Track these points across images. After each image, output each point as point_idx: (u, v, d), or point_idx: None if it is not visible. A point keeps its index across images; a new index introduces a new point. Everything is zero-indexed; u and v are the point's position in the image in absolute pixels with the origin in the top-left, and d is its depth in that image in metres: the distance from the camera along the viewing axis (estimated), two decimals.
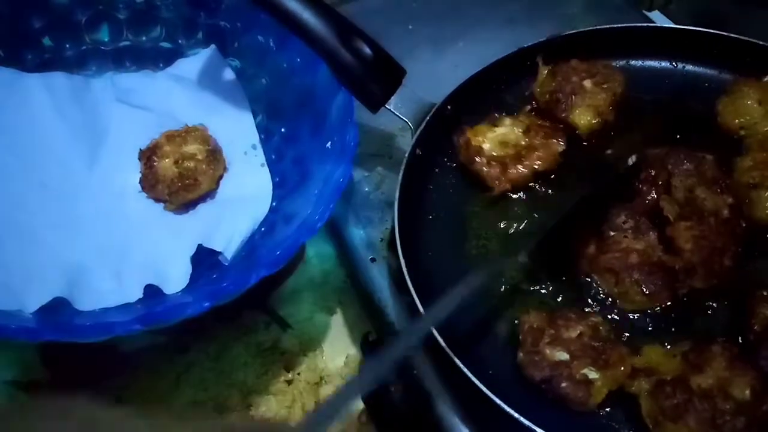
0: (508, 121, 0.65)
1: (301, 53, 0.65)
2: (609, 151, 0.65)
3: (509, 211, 0.63)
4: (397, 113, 0.64)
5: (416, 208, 0.62)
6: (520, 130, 0.64)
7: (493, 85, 0.69)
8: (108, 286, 0.60)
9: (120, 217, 0.66)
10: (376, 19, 0.67)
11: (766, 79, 0.66)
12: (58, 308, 0.57)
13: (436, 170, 0.66)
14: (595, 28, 0.72)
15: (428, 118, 0.64)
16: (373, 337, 0.64)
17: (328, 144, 0.62)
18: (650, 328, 0.55)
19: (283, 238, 0.58)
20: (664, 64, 0.72)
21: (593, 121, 0.66)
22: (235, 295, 0.53)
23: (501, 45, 0.70)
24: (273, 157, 0.70)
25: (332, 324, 0.66)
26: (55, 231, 0.63)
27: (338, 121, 0.62)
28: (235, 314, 0.65)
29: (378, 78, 0.62)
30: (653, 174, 0.60)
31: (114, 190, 0.67)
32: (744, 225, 0.58)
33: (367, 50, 0.60)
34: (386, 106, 0.63)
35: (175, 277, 0.60)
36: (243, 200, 0.66)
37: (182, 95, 0.72)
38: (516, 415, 0.48)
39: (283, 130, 0.70)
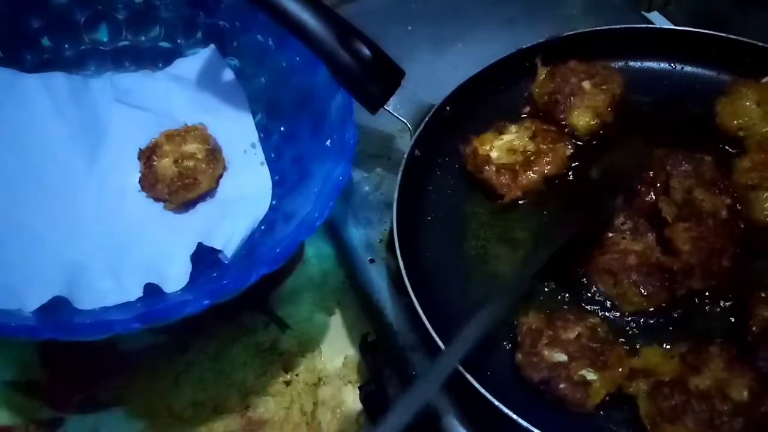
0: (513, 128, 0.65)
1: (300, 53, 0.65)
2: (593, 172, 0.64)
3: (509, 212, 0.63)
4: (396, 114, 0.64)
5: (415, 209, 0.62)
6: (527, 136, 0.64)
7: (492, 86, 0.69)
8: (108, 285, 0.60)
9: (120, 217, 0.66)
10: (375, 20, 0.67)
11: (764, 80, 0.66)
12: (57, 307, 0.57)
13: (435, 171, 0.66)
14: (594, 29, 0.71)
15: (427, 119, 0.64)
16: (371, 338, 0.64)
17: (328, 143, 0.62)
18: (648, 330, 0.55)
19: (282, 237, 0.58)
20: (663, 65, 0.72)
21: (592, 123, 0.66)
22: (235, 293, 0.53)
23: (500, 46, 0.70)
24: (272, 155, 0.70)
25: (331, 325, 0.66)
26: (54, 230, 0.63)
27: (337, 120, 0.62)
28: (235, 314, 0.65)
29: (377, 79, 0.62)
30: (652, 175, 0.60)
31: (113, 190, 0.67)
32: (742, 226, 0.58)
33: (366, 51, 0.60)
34: (385, 107, 0.63)
35: (175, 276, 0.60)
36: (243, 199, 0.66)
37: (181, 95, 0.72)
38: (514, 416, 0.48)
39: (282, 129, 0.70)
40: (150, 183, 0.66)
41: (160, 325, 0.57)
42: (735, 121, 0.65)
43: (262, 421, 0.61)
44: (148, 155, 0.67)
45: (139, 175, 0.68)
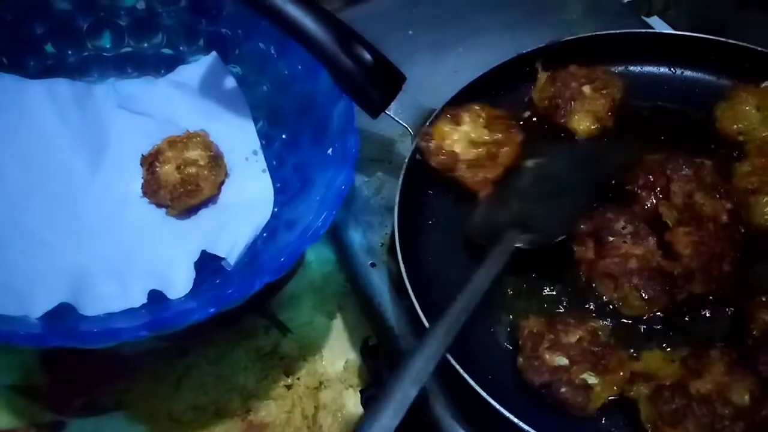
0: (466, 116, 0.64)
1: (302, 60, 0.65)
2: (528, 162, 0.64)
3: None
4: (397, 119, 0.64)
5: (416, 213, 0.62)
6: (481, 125, 0.63)
7: (493, 91, 0.69)
8: (112, 291, 0.60)
9: (123, 223, 0.66)
10: (376, 25, 0.67)
11: (764, 84, 0.66)
12: (63, 313, 0.57)
13: (436, 175, 0.66)
14: (594, 33, 0.72)
15: (428, 123, 0.64)
16: (372, 342, 0.64)
17: (330, 151, 0.62)
18: (649, 334, 0.55)
19: (285, 244, 0.58)
20: (663, 69, 0.72)
21: (592, 127, 0.67)
22: (239, 301, 0.53)
23: (500, 51, 0.70)
24: (274, 163, 0.70)
25: (332, 328, 0.66)
26: (58, 236, 0.64)
27: (339, 128, 0.62)
28: (235, 319, 0.65)
29: (378, 84, 0.62)
30: (652, 179, 0.60)
31: (116, 196, 0.68)
32: (743, 230, 0.59)
33: (367, 56, 0.60)
34: (386, 111, 0.63)
35: (179, 282, 0.60)
36: (244, 206, 0.67)
37: (183, 101, 0.73)
38: (515, 420, 0.48)
39: (284, 136, 0.70)
40: (152, 189, 0.67)
41: (166, 332, 0.57)
42: (735, 126, 0.65)
43: (263, 424, 0.61)
44: (150, 161, 0.68)
45: (142, 181, 0.68)
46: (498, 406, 0.49)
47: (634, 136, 0.67)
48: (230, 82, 0.73)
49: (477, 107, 0.64)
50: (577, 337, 0.53)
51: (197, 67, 0.74)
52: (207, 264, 0.62)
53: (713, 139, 0.66)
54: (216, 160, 0.68)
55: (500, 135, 0.63)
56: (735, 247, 0.57)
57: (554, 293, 0.58)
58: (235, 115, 0.72)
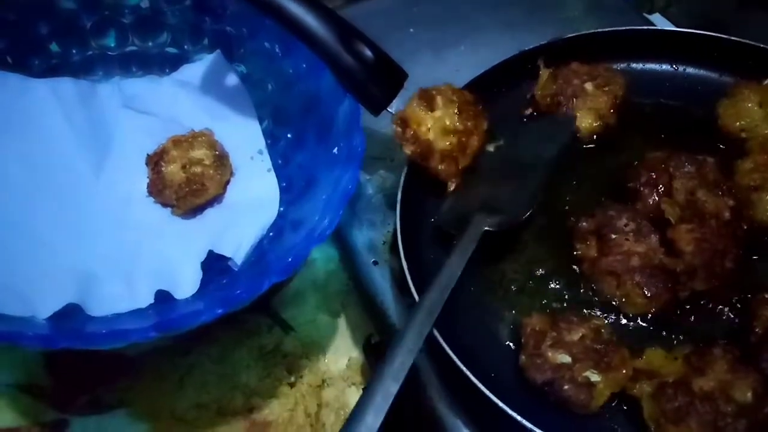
0: (440, 100, 0.62)
1: (306, 59, 0.65)
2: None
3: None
4: None
5: (418, 211, 0.62)
6: (454, 111, 0.62)
7: (495, 88, 0.69)
8: (119, 292, 0.60)
9: (128, 223, 0.66)
10: (377, 23, 0.67)
11: (766, 82, 0.66)
12: (70, 314, 0.57)
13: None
14: (596, 31, 0.72)
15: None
16: (375, 340, 0.64)
17: (335, 150, 0.62)
18: (652, 331, 0.55)
19: (291, 245, 0.58)
20: (665, 66, 0.72)
21: (594, 124, 0.66)
22: (247, 302, 0.54)
23: (502, 48, 0.70)
24: (279, 162, 0.70)
25: (334, 327, 0.66)
26: (64, 237, 0.63)
27: (345, 127, 0.62)
28: (238, 317, 0.65)
29: (380, 81, 0.62)
30: (654, 177, 0.60)
31: (121, 196, 0.67)
32: (745, 227, 0.58)
33: (369, 53, 0.60)
34: (388, 109, 0.63)
35: (186, 283, 0.60)
36: (250, 205, 0.67)
37: (188, 100, 0.73)
38: (518, 417, 0.48)
39: (289, 135, 0.70)
40: (158, 188, 0.67)
41: (174, 333, 0.57)
42: (737, 123, 0.65)
43: (266, 423, 0.61)
44: (155, 161, 0.67)
45: (147, 180, 0.68)
46: (501, 404, 0.49)
47: (636, 133, 0.67)
48: (235, 81, 0.73)
49: (450, 90, 0.63)
50: (580, 334, 0.53)
51: (202, 66, 0.74)
52: (213, 264, 0.62)
53: (715, 137, 0.66)
54: (221, 159, 0.68)
55: (470, 123, 0.62)
56: (737, 244, 0.57)
57: (556, 291, 0.58)
58: (240, 115, 0.72)
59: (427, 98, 0.62)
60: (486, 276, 0.60)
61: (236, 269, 0.62)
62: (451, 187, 0.62)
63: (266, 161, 0.70)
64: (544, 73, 0.69)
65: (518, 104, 0.70)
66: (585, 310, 0.56)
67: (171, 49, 0.75)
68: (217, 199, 0.68)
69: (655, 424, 0.49)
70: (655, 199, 0.60)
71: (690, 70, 0.72)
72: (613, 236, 0.58)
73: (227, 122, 0.71)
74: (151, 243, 0.64)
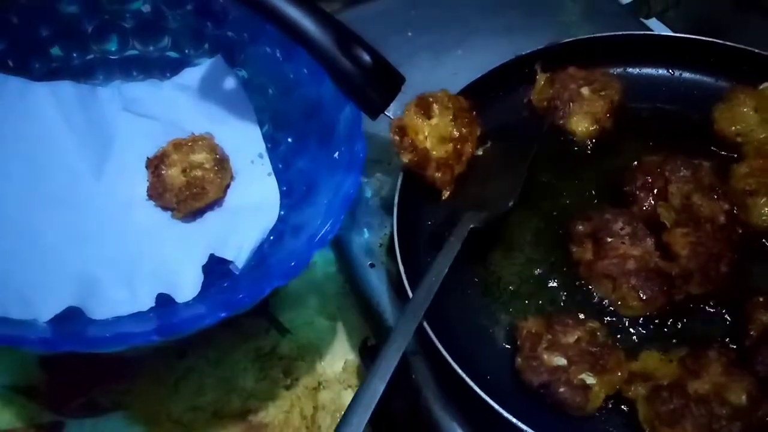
0: (436, 107, 0.62)
1: (307, 64, 0.64)
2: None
3: (507, 216, 0.63)
4: None
5: (415, 214, 0.62)
6: (449, 117, 0.62)
7: (492, 93, 0.70)
8: (120, 295, 0.60)
9: (129, 226, 0.66)
10: (375, 26, 0.67)
11: (762, 86, 0.66)
12: (71, 317, 0.56)
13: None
14: (592, 35, 0.72)
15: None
16: (371, 343, 0.64)
17: (336, 155, 0.62)
18: (647, 334, 0.55)
19: (293, 249, 0.58)
20: (662, 71, 0.73)
21: (591, 129, 0.67)
22: (249, 306, 0.53)
23: (499, 53, 0.70)
24: (280, 166, 0.69)
25: (331, 329, 0.66)
26: (65, 240, 0.63)
27: (346, 133, 0.61)
28: (235, 319, 0.65)
29: (377, 85, 0.62)
30: (650, 181, 0.60)
31: (121, 199, 0.67)
32: (740, 231, 0.59)
33: (367, 57, 0.61)
34: (385, 113, 0.63)
35: (187, 286, 0.60)
36: (250, 209, 0.66)
37: (189, 104, 0.72)
38: (514, 420, 0.48)
39: (289, 140, 0.70)
40: (158, 192, 0.66)
41: (176, 337, 0.56)
42: (733, 128, 0.65)
43: (262, 425, 0.61)
44: (156, 164, 0.67)
45: (147, 184, 0.67)
46: (496, 407, 0.49)
47: (632, 137, 0.67)
48: (235, 86, 0.73)
49: (446, 97, 0.63)
50: (576, 337, 0.53)
51: (203, 70, 0.73)
52: (214, 267, 0.62)
53: (711, 141, 0.66)
54: (222, 163, 0.68)
55: (465, 129, 0.63)
56: (732, 248, 0.57)
57: (552, 294, 0.58)
58: (240, 119, 0.72)
59: (424, 106, 0.62)
60: (482, 278, 0.60)
61: (237, 273, 0.62)
62: (446, 194, 0.62)
63: (266, 165, 0.70)
64: (541, 78, 0.69)
65: (515, 108, 0.70)
66: (580, 313, 0.56)
67: (172, 53, 0.75)
68: (217, 202, 0.68)
69: (650, 427, 0.49)
70: (650, 203, 0.60)
71: (686, 74, 0.72)
72: (609, 239, 0.58)
73: (227, 126, 0.71)
74: (151, 246, 0.64)
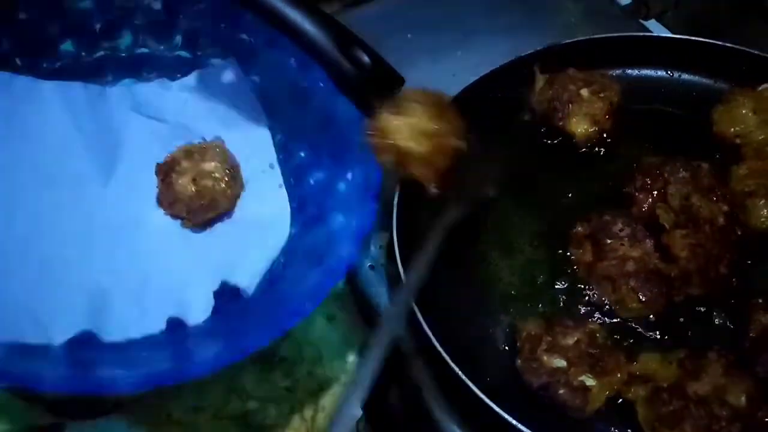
0: (409, 105, 0.59)
1: (322, 77, 0.62)
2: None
3: (506, 217, 0.63)
4: None
5: (414, 215, 0.62)
6: (427, 113, 0.59)
7: (491, 94, 0.70)
8: (131, 314, 0.58)
9: (138, 236, 0.64)
10: (375, 27, 0.67)
11: (761, 88, 0.66)
12: (84, 342, 0.55)
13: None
14: (592, 37, 0.72)
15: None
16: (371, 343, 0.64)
17: (349, 175, 0.60)
18: (647, 335, 0.55)
19: (303, 273, 0.57)
20: (661, 73, 0.73)
21: (590, 130, 0.67)
22: (262, 346, 0.52)
23: (499, 54, 0.70)
24: (291, 180, 0.67)
25: (331, 331, 0.66)
26: (74, 252, 0.61)
27: (362, 152, 0.59)
28: None
29: (377, 86, 0.62)
30: (649, 182, 0.61)
31: (130, 206, 0.65)
32: (739, 233, 0.59)
33: (366, 59, 0.60)
34: None
35: (197, 307, 0.59)
36: (261, 222, 0.64)
37: (199, 107, 0.70)
38: (514, 421, 0.48)
39: (302, 153, 0.68)
40: (168, 201, 0.65)
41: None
42: (732, 129, 0.65)
43: (263, 426, 0.61)
44: (165, 171, 0.65)
45: (156, 190, 0.66)
46: (496, 408, 0.49)
47: (631, 139, 0.67)
48: (248, 91, 0.71)
49: (418, 93, 0.60)
50: (575, 339, 0.53)
51: (214, 73, 0.71)
52: (225, 288, 0.60)
53: (710, 143, 0.66)
54: (232, 172, 0.66)
55: (444, 124, 0.60)
56: (732, 249, 0.57)
57: (552, 295, 0.58)
58: (252, 125, 0.70)
59: (397, 105, 0.59)
60: (482, 280, 0.60)
61: (249, 294, 0.60)
62: (432, 189, 0.61)
63: (277, 176, 0.68)
64: (540, 79, 0.70)
65: (514, 110, 0.70)
66: (580, 315, 0.56)
67: (183, 53, 0.72)
68: (227, 213, 0.66)
69: (650, 428, 0.50)
70: (650, 205, 0.60)
71: (685, 76, 0.72)
72: (609, 241, 0.58)
73: (238, 132, 0.69)
74: (161, 258, 0.63)
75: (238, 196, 0.67)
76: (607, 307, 0.57)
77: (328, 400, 0.63)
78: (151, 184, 0.66)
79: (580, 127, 0.67)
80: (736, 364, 0.51)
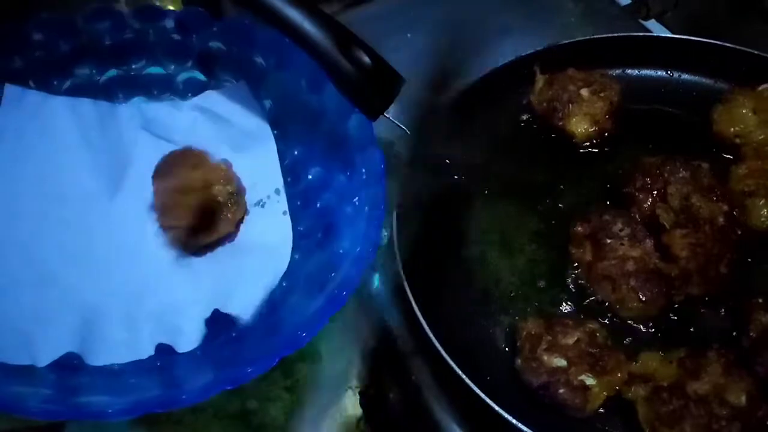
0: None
1: (334, 98, 0.62)
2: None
3: (506, 217, 0.64)
4: (396, 121, 0.64)
5: (414, 215, 0.62)
6: None
7: (491, 94, 0.70)
8: (121, 337, 0.57)
9: (137, 255, 0.63)
10: (375, 28, 0.67)
11: (761, 88, 0.66)
12: (69, 365, 0.55)
13: (435, 177, 0.66)
14: (591, 37, 0.72)
15: (426, 125, 0.64)
16: (371, 344, 0.64)
17: (356, 200, 0.59)
18: (647, 335, 0.56)
19: (303, 302, 0.56)
20: (660, 73, 0.73)
21: (590, 130, 0.67)
22: (258, 375, 0.51)
23: (499, 54, 0.71)
24: (298, 203, 0.66)
25: (331, 330, 0.66)
26: (71, 269, 0.61)
27: (367, 177, 0.59)
28: None
29: (377, 87, 0.62)
30: (649, 182, 0.61)
31: (132, 225, 0.64)
32: (739, 232, 0.59)
33: (366, 59, 0.60)
34: (385, 114, 0.63)
35: (189, 334, 0.58)
36: (262, 250, 0.63)
37: (208, 128, 0.69)
38: (514, 421, 0.49)
39: (310, 176, 0.66)
40: (169, 224, 0.63)
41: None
42: (732, 129, 0.65)
43: (262, 426, 0.61)
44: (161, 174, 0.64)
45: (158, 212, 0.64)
46: (496, 407, 0.49)
47: (631, 138, 0.67)
48: (258, 114, 0.69)
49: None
50: (575, 338, 0.53)
51: (225, 94, 0.70)
52: (220, 317, 0.59)
53: (710, 142, 0.66)
54: (236, 196, 0.65)
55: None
56: (731, 249, 0.57)
57: (552, 295, 0.58)
58: (260, 149, 0.68)
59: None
60: (482, 280, 0.60)
61: (244, 324, 0.59)
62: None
63: (282, 203, 0.66)
64: (540, 79, 0.70)
65: (514, 110, 0.70)
66: (580, 314, 0.56)
67: (195, 74, 0.72)
68: (228, 237, 0.65)
69: (650, 428, 0.50)
70: (650, 204, 0.60)
71: (685, 76, 0.72)
72: (608, 241, 0.58)
73: (246, 156, 0.67)
74: (157, 280, 0.62)
75: (241, 221, 0.65)
76: (607, 306, 0.57)
77: (327, 400, 0.63)
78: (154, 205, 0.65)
79: (580, 126, 0.67)
80: (736, 364, 0.51)
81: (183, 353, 0.57)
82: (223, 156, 0.67)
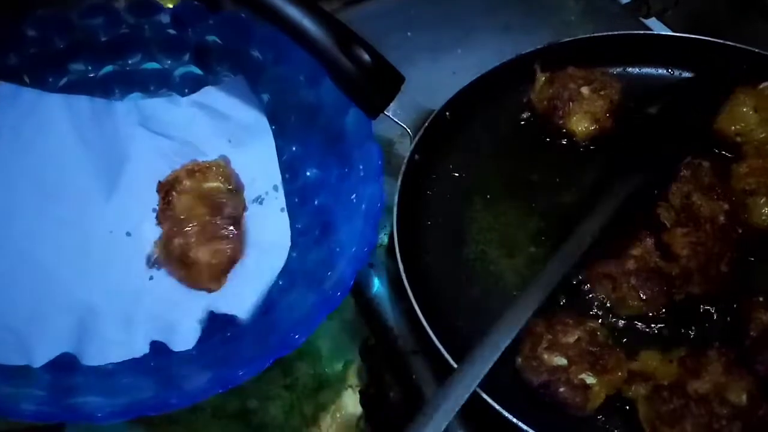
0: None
1: (332, 93, 0.62)
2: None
3: (507, 216, 0.63)
4: (396, 119, 0.64)
5: (415, 214, 0.62)
6: None
7: (491, 92, 0.70)
8: (117, 336, 0.57)
9: (134, 254, 0.63)
10: (375, 26, 0.67)
11: (761, 86, 0.66)
12: (64, 365, 0.54)
13: (435, 176, 0.66)
14: (592, 35, 0.72)
15: (427, 124, 0.64)
16: (372, 342, 0.64)
17: (353, 197, 0.58)
18: (647, 333, 0.55)
19: (300, 299, 0.55)
20: (661, 71, 0.73)
21: (590, 128, 0.67)
22: (250, 377, 0.51)
23: (499, 52, 0.71)
24: (296, 200, 0.65)
25: (331, 329, 0.66)
26: (67, 267, 0.60)
27: (365, 174, 0.58)
28: None
29: (377, 85, 0.62)
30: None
31: (128, 223, 0.64)
32: (740, 231, 0.59)
33: (366, 57, 0.61)
34: (385, 112, 0.63)
35: (184, 333, 0.57)
36: (260, 246, 0.63)
37: (206, 124, 0.69)
38: (514, 420, 0.48)
39: (308, 173, 0.66)
40: (167, 220, 0.63)
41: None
42: (732, 127, 0.65)
43: (262, 425, 0.61)
44: (167, 189, 0.64)
45: (156, 207, 0.65)
46: (497, 406, 0.49)
47: (632, 137, 0.67)
48: (256, 109, 0.69)
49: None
50: (576, 337, 0.53)
51: (223, 90, 0.70)
52: (214, 315, 0.59)
53: (711, 141, 0.66)
54: (235, 193, 0.65)
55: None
56: (732, 247, 0.57)
57: (552, 294, 0.58)
58: (258, 145, 0.68)
59: None
60: (482, 280, 0.60)
61: (243, 321, 0.58)
62: None
63: (280, 199, 0.65)
64: (541, 78, 0.69)
65: (514, 108, 0.70)
66: (581, 313, 0.56)
67: (192, 69, 0.71)
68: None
69: (651, 427, 0.49)
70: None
71: (686, 74, 0.72)
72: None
73: (244, 152, 0.67)
74: (154, 279, 0.62)
75: (239, 217, 0.65)
76: (607, 305, 0.57)
77: (327, 399, 0.63)
78: (152, 202, 0.65)
79: (580, 125, 0.67)
80: (737, 362, 0.50)
81: (178, 353, 0.57)
82: (221, 152, 0.67)
